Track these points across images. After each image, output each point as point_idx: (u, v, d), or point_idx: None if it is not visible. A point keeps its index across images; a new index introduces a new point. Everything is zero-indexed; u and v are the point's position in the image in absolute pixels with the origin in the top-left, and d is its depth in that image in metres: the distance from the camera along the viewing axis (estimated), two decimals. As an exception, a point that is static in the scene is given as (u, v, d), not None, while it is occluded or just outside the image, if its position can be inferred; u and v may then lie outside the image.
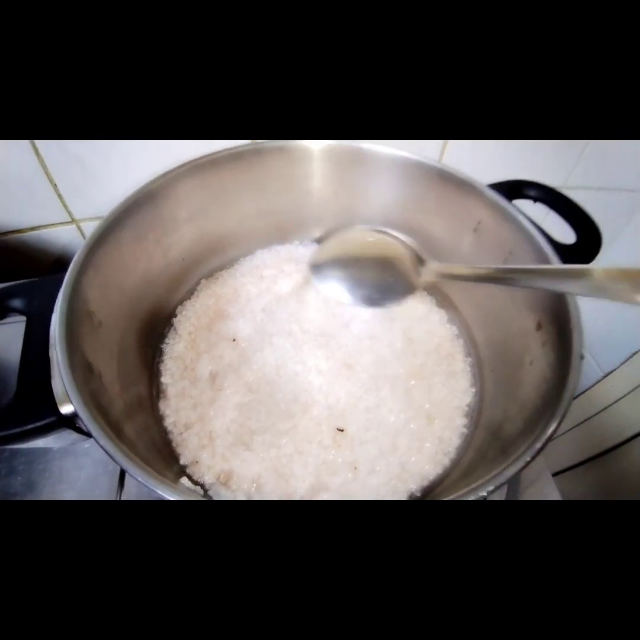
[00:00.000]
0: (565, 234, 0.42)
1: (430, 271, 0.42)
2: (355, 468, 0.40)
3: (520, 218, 0.41)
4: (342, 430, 0.42)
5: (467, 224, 0.45)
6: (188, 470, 0.40)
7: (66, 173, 0.54)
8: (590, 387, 0.84)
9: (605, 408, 0.82)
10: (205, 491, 0.39)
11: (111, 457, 0.27)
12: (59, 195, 0.57)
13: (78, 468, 0.46)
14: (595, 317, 0.77)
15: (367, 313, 0.49)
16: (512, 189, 0.44)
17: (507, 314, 0.43)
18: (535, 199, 0.45)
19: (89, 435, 0.29)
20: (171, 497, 0.26)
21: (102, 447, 0.28)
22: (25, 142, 0.50)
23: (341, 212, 0.52)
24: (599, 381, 0.84)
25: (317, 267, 0.45)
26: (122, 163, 0.53)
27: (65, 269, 0.35)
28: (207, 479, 0.39)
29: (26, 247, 0.61)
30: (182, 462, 0.40)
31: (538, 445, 0.28)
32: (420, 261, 0.42)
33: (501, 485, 0.26)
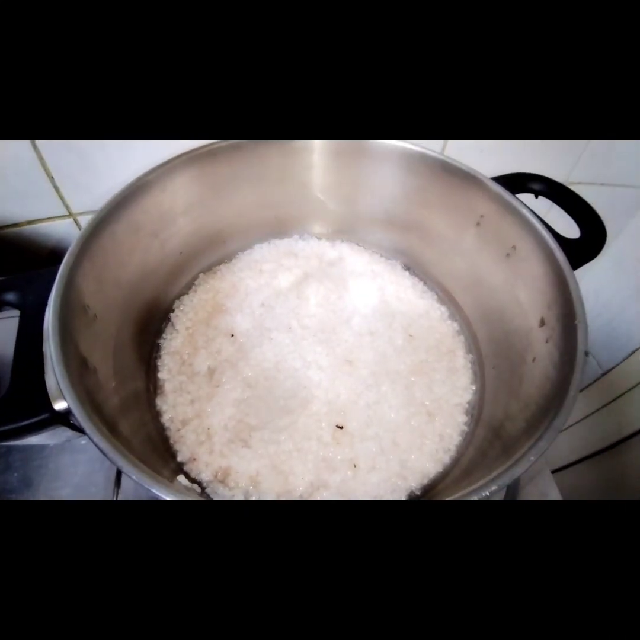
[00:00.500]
0: (569, 230, 0.41)
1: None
2: (355, 465, 0.40)
3: (525, 212, 0.39)
4: (341, 427, 0.41)
5: (469, 218, 0.44)
6: (185, 468, 0.39)
7: (63, 165, 0.53)
8: (589, 385, 0.83)
9: (605, 405, 0.81)
10: (203, 489, 0.38)
11: (105, 454, 0.26)
12: (56, 188, 0.55)
13: (74, 464, 0.45)
14: (596, 315, 0.76)
15: (368, 309, 0.49)
16: (516, 182, 0.43)
17: (509, 311, 0.42)
18: (539, 193, 0.44)
19: (83, 432, 0.28)
20: (166, 497, 0.25)
21: (95, 444, 0.27)
22: (22, 133, 0.48)
23: (342, 206, 0.51)
24: (598, 379, 0.83)
25: None
26: (120, 155, 0.52)
27: (60, 262, 0.34)
28: (205, 476, 0.38)
29: (23, 241, 0.60)
30: (179, 459, 0.39)
31: (543, 444, 0.27)
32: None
33: (505, 485, 0.26)
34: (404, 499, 0.38)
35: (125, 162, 0.52)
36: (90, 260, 0.36)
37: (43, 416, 0.30)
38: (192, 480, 0.38)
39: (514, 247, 0.41)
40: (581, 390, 0.33)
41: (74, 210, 0.58)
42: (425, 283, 0.51)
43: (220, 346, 0.45)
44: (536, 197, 0.45)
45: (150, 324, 0.45)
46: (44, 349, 0.32)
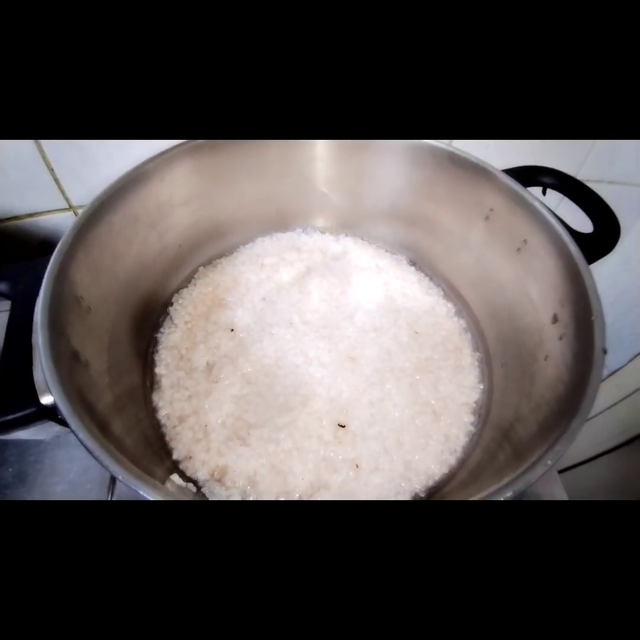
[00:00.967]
0: (579, 227, 0.39)
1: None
2: (357, 466, 0.38)
3: (537, 205, 0.37)
4: (343, 426, 0.39)
5: (478, 212, 0.42)
6: (181, 466, 0.37)
7: (63, 157, 0.51)
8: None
9: (610, 407, 0.79)
10: (199, 488, 0.36)
11: (90, 452, 0.24)
12: (56, 180, 0.53)
13: (70, 460, 0.44)
14: (602, 315, 0.74)
15: (372, 304, 0.46)
16: (526, 176, 0.41)
17: (519, 307, 0.40)
18: (551, 186, 0.41)
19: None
20: (151, 497, 0.23)
21: (80, 440, 0.25)
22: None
23: (346, 199, 0.49)
24: (604, 380, 0.81)
25: None
26: (120, 147, 0.50)
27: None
28: (201, 475, 0.36)
29: (23, 235, 0.58)
30: (174, 456, 0.37)
31: (561, 447, 0.25)
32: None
33: (520, 492, 0.23)
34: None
35: (126, 155, 0.49)
36: (85, 251, 0.34)
37: (30, 410, 0.28)
38: (188, 479, 0.36)
39: (525, 241, 0.39)
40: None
41: (74, 203, 0.56)
42: (431, 279, 0.49)
43: (219, 341, 0.43)
44: (544, 193, 0.43)
45: (147, 317, 0.43)
46: (33, 341, 0.30)
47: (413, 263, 0.50)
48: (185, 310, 0.45)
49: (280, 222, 0.50)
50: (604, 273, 0.72)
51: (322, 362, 0.42)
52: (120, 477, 0.24)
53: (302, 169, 0.46)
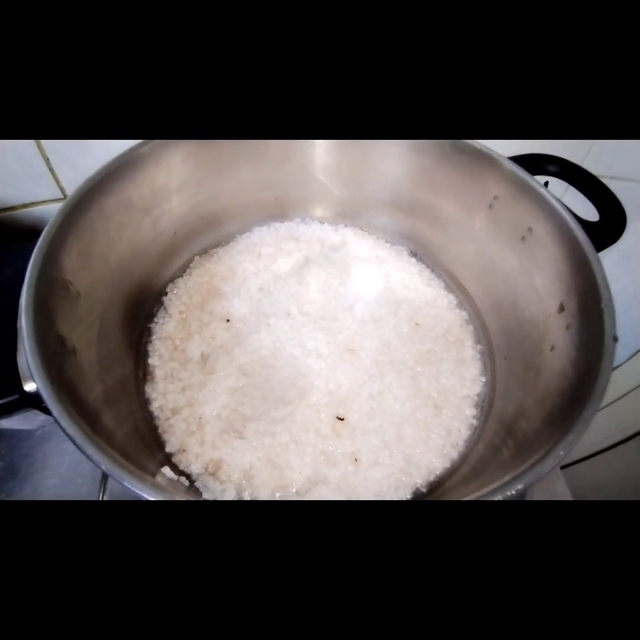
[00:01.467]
0: (584, 216, 0.37)
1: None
2: (356, 460, 0.36)
3: (543, 191, 0.36)
4: (342, 419, 0.38)
5: (481, 200, 0.40)
6: (174, 459, 0.35)
7: (59, 147, 0.49)
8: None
9: (610, 404, 0.78)
10: (192, 482, 0.34)
11: (72, 440, 0.23)
12: (51, 170, 0.52)
13: (61, 453, 0.42)
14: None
15: (371, 296, 0.45)
16: (531, 164, 0.39)
17: (523, 298, 0.38)
18: (555, 175, 0.40)
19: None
20: (137, 489, 0.21)
21: (63, 429, 0.23)
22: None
23: (345, 188, 0.47)
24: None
25: None
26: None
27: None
28: (194, 468, 0.35)
29: (18, 226, 0.56)
30: (167, 449, 0.36)
31: (572, 437, 0.23)
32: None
33: (526, 489, 0.22)
34: (409, 496, 0.35)
35: (122, 146, 0.48)
36: (74, 233, 0.32)
37: (12, 397, 0.26)
38: (180, 473, 0.34)
39: (530, 229, 0.37)
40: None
41: (69, 193, 0.54)
42: (432, 270, 0.47)
43: (214, 332, 0.41)
44: (546, 185, 0.41)
45: (141, 307, 0.41)
46: (18, 326, 0.28)
47: (414, 254, 0.48)
48: (179, 300, 0.43)
49: (279, 211, 0.48)
50: (605, 270, 0.71)
51: (321, 354, 0.41)
52: (103, 467, 0.22)
53: (301, 156, 0.44)
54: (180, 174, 0.40)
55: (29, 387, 0.26)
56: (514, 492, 0.21)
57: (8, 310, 0.30)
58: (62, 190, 0.54)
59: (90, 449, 0.22)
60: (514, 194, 0.37)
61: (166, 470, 0.32)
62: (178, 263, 0.45)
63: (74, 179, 0.52)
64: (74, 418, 0.25)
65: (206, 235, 0.46)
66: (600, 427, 0.77)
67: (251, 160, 0.43)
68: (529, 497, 0.40)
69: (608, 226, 0.37)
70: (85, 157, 0.50)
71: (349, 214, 0.49)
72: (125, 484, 0.21)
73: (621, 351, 0.77)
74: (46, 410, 0.27)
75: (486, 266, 0.42)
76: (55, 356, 0.28)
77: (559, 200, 0.35)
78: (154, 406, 0.38)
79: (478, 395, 0.40)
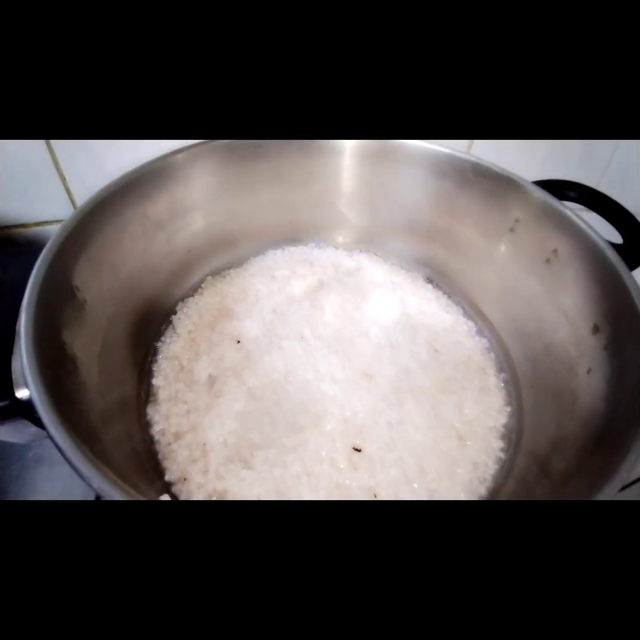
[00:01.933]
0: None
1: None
2: (375, 495, 0.32)
3: (567, 212, 0.35)
4: (359, 450, 0.34)
5: (502, 223, 0.39)
6: (174, 489, 0.32)
7: (77, 166, 0.49)
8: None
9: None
10: (193, 515, 0.30)
11: (63, 454, 0.19)
12: (67, 190, 0.51)
13: (52, 479, 0.39)
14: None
15: (388, 321, 0.42)
16: (550, 189, 0.39)
17: (550, 322, 0.36)
18: (574, 200, 0.39)
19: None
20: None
21: (54, 441, 0.20)
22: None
23: (362, 213, 0.46)
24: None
25: None
26: (133, 158, 0.48)
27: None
28: (196, 499, 0.31)
29: (29, 243, 0.55)
30: (167, 478, 0.32)
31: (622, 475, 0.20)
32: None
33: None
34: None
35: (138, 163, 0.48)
36: (86, 239, 0.31)
37: (2, 403, 0.23)
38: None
39: (554, 251, 0.36)
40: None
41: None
42: (449, 296, 0.45)
43: (224, 352, 0.38)
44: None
45: (148, 324, 0.39)
46: (17, 328, 0.26)
47: (430, 281, 0.46)
48: (189, 319, 0.41)
49: (293, 235, 0.47)
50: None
51: (335, 379, 0.38)
52: (95, 485, 0.18)
53: (319, 179, 0.44)
54: (197, 191, 0.40)
55: (21, 393, 0.24)
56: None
57: (8, 312, 0.28)
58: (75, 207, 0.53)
59: (84, 466, 0.19)
60: (537, 216, 0.36)
61: (165, 498, 0.28)
62: (190, 282, 0.43)
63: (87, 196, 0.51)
64: (69, 433, 0.22)
65: (220, 255, 0.44)
66: None
67: (269, 182, 0.43)
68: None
69: (632, 248, 0.36)
70: (101, 177, 0.49)
71: (364, 240, 0.48)
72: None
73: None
74: (38, 422, 0.24)
75: (507, 291, 0.40)
76: (54, 362, 0.25)
77: (584, 220, 0.34)
78: (155, 430, 0.34)
79: (505, 426, 0.37)
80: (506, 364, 0.40)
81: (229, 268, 0.45)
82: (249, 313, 0.41)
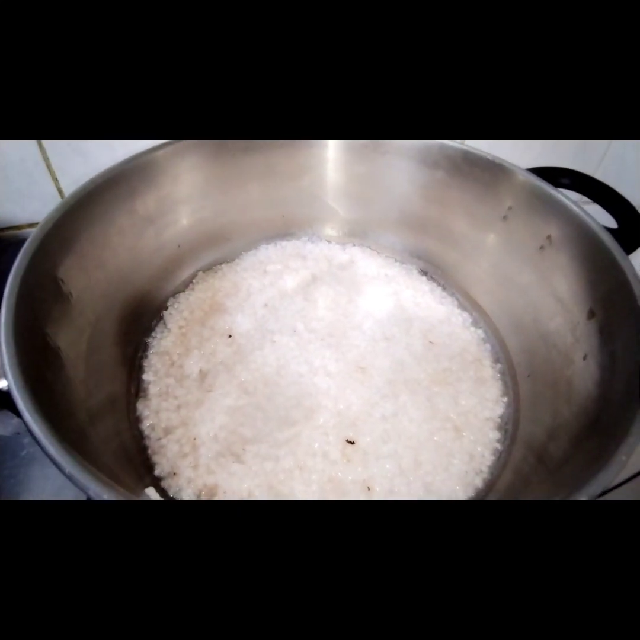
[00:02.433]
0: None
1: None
2: (369, 488, 0.31)
3: (561, 197, 0.34)
4: (353, 443, 0.33)
5: (494, 212, 0.38)
6: (163, 483, 0.31)
7: (68, 167, 0.48)
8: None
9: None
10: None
11: (42, 448, 0.19)
12: (60, 191, 0.51)
13: (45, 478, 0.38)
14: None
15: (382, 313, 0.42)
16: (543, 176, 0.38)
17: (545, 309, 0.35)
18: (568, 187, 0.38)
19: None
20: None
21: (34, 436, 0.19)
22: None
23: (353, 207, 0.45)
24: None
25: None
26: (125, 155, 0.48)
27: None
28: (186, 494, 0.30)
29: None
30: (156, 472, 0.31)
31: (633, 440, 0.19)
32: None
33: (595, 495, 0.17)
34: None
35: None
36: (72, 231, 0.30)
37: (-20, 394, 0.22)
38: (170, 500, 0.29)
39: (548, 237, 0.35)
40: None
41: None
42: (444, 288, 0.44)
43: (215, 347, 0.38)
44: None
45: (138, 319, 0.38)
46: (-2, 318, 0.25)
47: (424, 273, 0.46)
48: (180, 314, 0.40)
49: (285, 229, 0.46)
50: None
51: (329, 372, 0.37)
52: (79, 482, 0.17)
53: (310, 173, 0.43)
54: (186, 186, 0.39)
55: (1, 384, 0.23)
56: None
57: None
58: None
59: (63, 460, 0.18)
60: (530, 202, 0.36)
61: (151, 491, 0.27)
62: (181, 277, 0.42)
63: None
64: (46, 420, 0.21)
65: (211, 250, 0.43)
66: None
67: (259, 176, 0.42)
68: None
69: (627, 233, 0.35)
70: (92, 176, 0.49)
71: (357, 233, 0.47)
72: (105, 497, 0.17)
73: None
74: (18, 413, 0.23)
75: (502, 281, 0.40)
76: (34, 352, 0.24)
77: (577, 204, 0.33)
78: (145, 425, 0.34)
79: (501, 417, 0.36)
80: (502, 355, 0.39)
81: (221, 263, 0.44)
82: (240, 308, 0.41)
